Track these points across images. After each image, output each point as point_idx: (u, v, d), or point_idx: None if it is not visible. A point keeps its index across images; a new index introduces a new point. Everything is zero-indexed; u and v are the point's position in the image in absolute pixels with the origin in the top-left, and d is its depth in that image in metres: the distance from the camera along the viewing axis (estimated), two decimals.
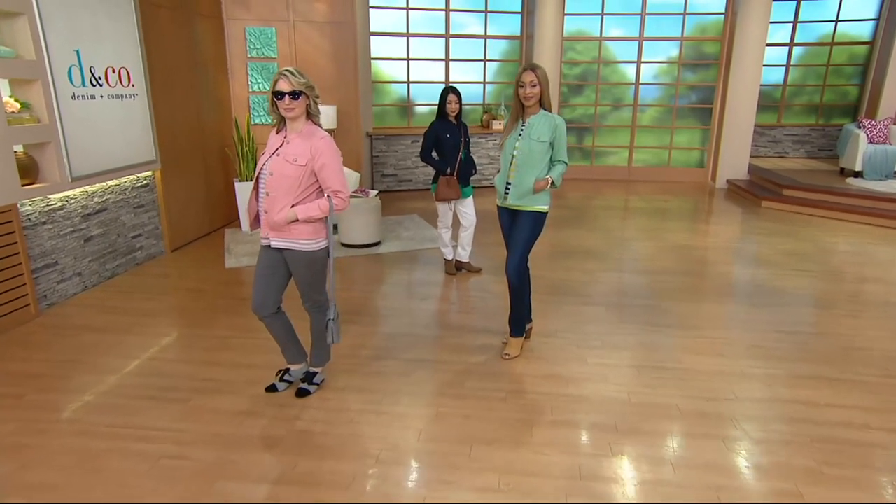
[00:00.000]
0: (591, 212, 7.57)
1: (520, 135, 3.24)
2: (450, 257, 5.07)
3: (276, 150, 2.72)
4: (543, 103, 3.21)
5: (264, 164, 2.73)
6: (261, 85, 6.83)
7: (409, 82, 9.39)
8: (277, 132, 2.78)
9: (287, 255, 2.81)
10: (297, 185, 2.69)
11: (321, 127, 2.80)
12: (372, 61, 8.81)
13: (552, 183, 3.23)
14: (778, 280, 4.93)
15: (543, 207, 3.30)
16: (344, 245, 5.75)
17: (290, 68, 2.66)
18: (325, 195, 2.76)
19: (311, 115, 2.74)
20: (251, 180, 6.06)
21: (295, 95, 2.63)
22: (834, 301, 4.49)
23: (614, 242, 6.10)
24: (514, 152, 3.24)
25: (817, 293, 4.68)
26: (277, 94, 2.64)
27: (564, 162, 3.27)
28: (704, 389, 3.14)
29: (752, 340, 3.76)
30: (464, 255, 5.04)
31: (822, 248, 5.90)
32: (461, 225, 4.94)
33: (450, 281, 4.90)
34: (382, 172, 8.92)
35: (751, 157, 9.72)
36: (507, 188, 3.31)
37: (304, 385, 3.08)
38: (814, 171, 9.19)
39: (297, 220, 2.70)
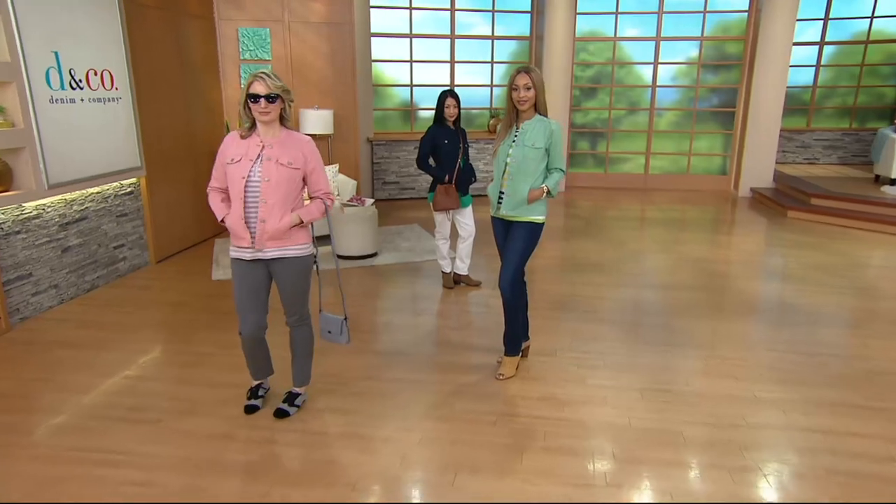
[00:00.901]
0: (602, 222, 7.52)
1: (513, 141, 3.22)
2: (447, 270, 5.04)
3: (259, 155, 2.71)
4: (538, 108, 3.19)
5: (250, 171, 2.71)
6: None
7: (412, 85, 9.43)
8: (242, 137, 2.78)
9: (280, 265, 2.83)
10: (294, 188, 2.76)
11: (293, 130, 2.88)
12: (373, 63, 8.86)
13: (548, 192, 3.20)
14: (802, 296, 4.84)
15: (539, 218, 3.26)
16: (338, 256, 5.73)
17: (265, 71, 2.70)
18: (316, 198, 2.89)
19: (284, 120, 2.78)
20: None
21: (271, 99, 2.66)
22: (863, 320, 4.39)
23: (626, 255, 6.03)
24: (508, 160, 3.22)
25: (845, 311, 4.58)
26: (252, 97, 2.65)
27: (561, 170, 3.24)
28: (713, 415, 3.07)
29: (769, 362, 3.68)
30: (462, 268, 5.01)
31: (854, 263, 5.79)
32: (459, 236, 4.92)
33: (447, 295, 4.87)
34: (384, 180, 8.94)
35: (777, 163, 9.63)
36: (500, 198, 3.28)
37: (284, 406, 3.06)
38: (846, 178, 9.07)
39: (299, 224, 2.78)
